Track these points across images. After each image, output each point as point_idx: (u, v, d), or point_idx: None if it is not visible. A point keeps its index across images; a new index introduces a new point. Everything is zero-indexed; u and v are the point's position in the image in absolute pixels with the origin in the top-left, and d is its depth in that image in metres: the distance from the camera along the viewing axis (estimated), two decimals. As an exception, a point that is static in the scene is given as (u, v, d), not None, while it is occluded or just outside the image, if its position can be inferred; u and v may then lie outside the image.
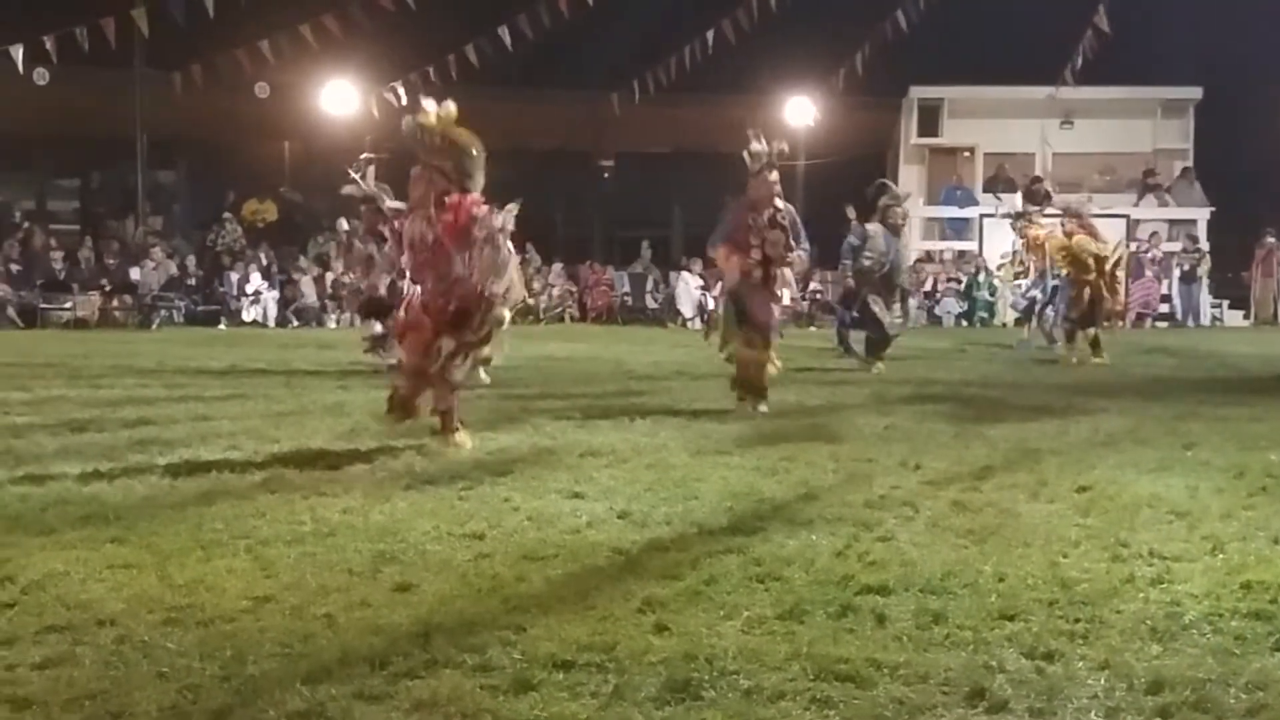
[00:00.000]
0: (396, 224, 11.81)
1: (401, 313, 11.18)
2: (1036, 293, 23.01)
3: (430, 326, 10.78)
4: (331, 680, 5.18)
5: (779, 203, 13.64)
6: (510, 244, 10.89)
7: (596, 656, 5.48)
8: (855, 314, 20.32)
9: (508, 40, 20.49)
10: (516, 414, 13.21)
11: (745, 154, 13.63)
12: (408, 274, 11.21)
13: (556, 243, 39.01)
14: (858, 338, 20.35)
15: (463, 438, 11.04)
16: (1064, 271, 20.89)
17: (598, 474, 9.78)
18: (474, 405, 13.74)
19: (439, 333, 10.75)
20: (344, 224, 20.72)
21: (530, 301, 15.80)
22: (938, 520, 8.29)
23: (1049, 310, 22.33)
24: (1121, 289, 21.81)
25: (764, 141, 13.60)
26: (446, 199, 10.64)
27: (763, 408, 13.57)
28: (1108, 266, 20.53)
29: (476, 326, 10.78)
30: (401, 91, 21.50)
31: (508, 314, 10.87)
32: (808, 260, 14.47)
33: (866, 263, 19.82)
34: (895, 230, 20.24)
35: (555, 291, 35.06)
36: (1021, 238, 23.13)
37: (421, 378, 10.93)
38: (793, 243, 13.62)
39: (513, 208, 10.67)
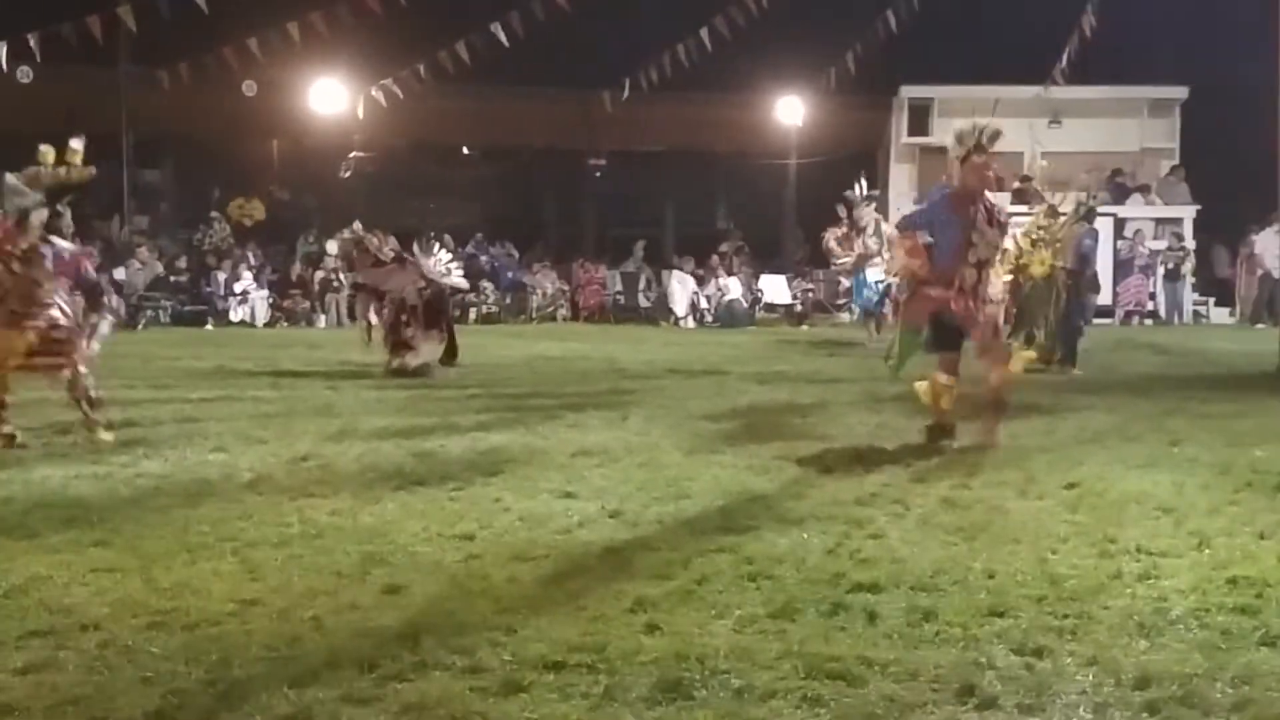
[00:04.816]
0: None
1: None
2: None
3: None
4: (319, 683, 5.17)
5: (990, 196, 11.52)
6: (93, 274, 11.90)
7: (587, 657, 5.48)
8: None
9: (502, 37, 20.42)
10: (508, 413, 13.19)
11: (952, 138, 11.30)
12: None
13: (548, 241, 38.94)
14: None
15: (106, 436, 11.17)
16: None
17: (590, 474, 9.78)
18: (465, 404, 13.78)
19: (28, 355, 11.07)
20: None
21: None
22: (928, 518, 8.31)
23: None
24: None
25: (974, 124, 11.29)
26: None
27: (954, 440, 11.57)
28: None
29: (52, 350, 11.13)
30: (396, 89, 21.44)
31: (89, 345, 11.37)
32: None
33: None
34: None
35: (547, 290, 34.95)
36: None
37: None
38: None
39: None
